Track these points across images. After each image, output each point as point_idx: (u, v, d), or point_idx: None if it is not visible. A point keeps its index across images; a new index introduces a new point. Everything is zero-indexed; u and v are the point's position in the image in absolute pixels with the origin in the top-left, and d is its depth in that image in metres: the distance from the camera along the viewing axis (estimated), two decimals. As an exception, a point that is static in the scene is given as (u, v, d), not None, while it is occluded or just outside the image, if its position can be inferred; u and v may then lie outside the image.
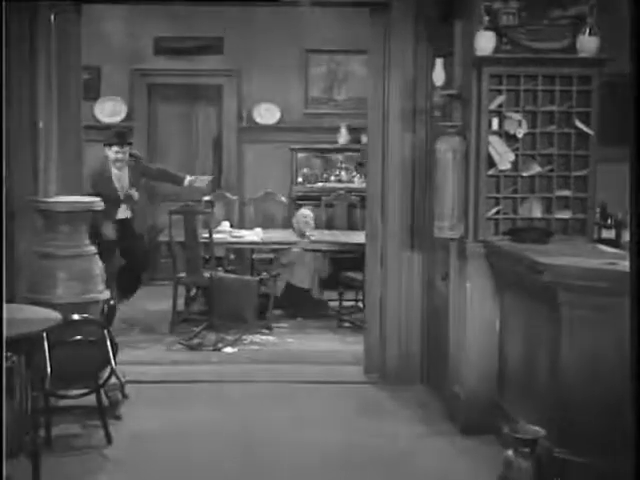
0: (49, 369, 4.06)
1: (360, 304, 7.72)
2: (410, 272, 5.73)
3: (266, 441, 4.76)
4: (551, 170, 4.77)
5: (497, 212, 4.77)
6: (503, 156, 4.69)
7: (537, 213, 4.77)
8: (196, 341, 6.85)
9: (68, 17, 5.69)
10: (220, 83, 9.50)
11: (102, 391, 4.68)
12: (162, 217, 8.27)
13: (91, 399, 4.62)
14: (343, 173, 9.60)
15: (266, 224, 8.58)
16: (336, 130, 9.53)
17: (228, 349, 6.68)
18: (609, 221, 5.12)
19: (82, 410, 4.76)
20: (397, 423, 5.06)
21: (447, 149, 4.81)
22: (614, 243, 4.90)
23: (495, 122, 4.70)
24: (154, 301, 8.15)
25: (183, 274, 7.37)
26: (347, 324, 7.52)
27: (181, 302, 7.67)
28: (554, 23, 4.71)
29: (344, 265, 7.67)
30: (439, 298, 5.41)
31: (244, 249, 8.10)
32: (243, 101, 9.46)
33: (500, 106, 4.70)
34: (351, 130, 9.56)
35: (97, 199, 5.26)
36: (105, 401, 4.76)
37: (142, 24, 8.89)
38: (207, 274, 7.24)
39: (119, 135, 7.65)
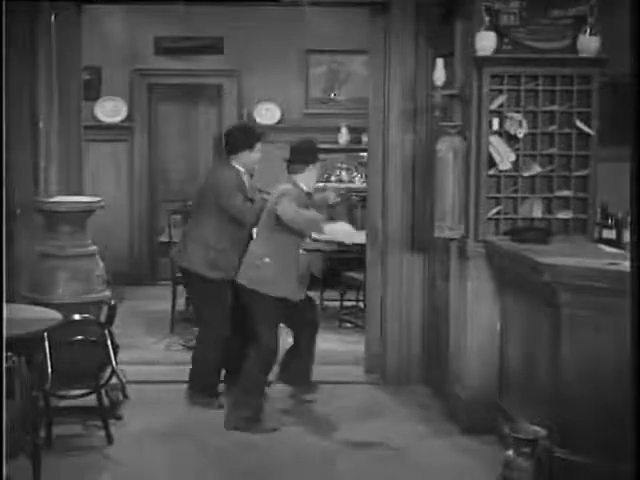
0: (50, 369, 4.06)
1: (361, 304, 7.72)
2: (410, 272, 5.73)
3: (266, 441, 4.75)
4: (552, 170, 4.77)
5: (498, 212, 4.77)
6: (504, 156, 4.69)
7: (538, 213, 4.77)
8: (196, 341, 6.84)
9: (68, 17, 5.70)
10: (220, 83, 9.49)
11: (103, 391, 4.68)
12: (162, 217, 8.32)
13: (92, 399, 4.62)
14: (344, 173, 9.60)
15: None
16: (336, 130, 9.53)
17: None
18: (610, 221, 5.11)
19: (83, 410, 4.76)
20: (397, 423, 5.06)
21: (448, 149, 4.81)
22: (615, 243, 4.89)
23: (496, 122, 4.70)
24: (154, 301, 8.15)
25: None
26: (348, 324, 7.52)
27: (182, 302, 7.67)
28: (554, 23, 4.71)
29: (345, 265, 7.67)
30: (439, 298, 5.41)
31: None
32: (243, 101, 9.45)
33: (501, 106, 4.70)
34: (351, 130, 9.56)
35: (97, 198, 5.26)
36: (106, 401, 4.76)
37: (142, 24, 8.88)
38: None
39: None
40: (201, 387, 5.37)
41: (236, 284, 5.11)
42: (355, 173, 9.60)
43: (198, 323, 5.63)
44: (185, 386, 5.44)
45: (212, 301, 5.33)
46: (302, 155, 5.20)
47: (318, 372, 5.99)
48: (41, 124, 5.45)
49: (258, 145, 5.39)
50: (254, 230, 5.27)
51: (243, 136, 5.39)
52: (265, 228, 5.06)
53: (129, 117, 9.30)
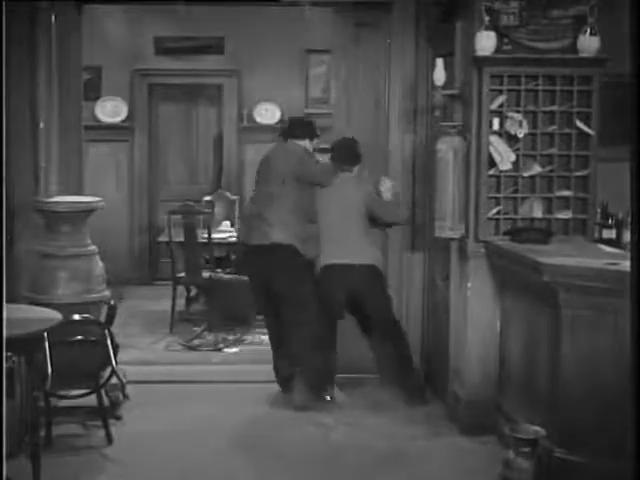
0: (49, 369, 4.06)
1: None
2: (410, 272, 5.73)
3: (266, 441, 4.76)
4: (552, 170, 4.77)
5: (498, 212, 4.77)
6: (504, 156, 4.69)
7: (538, 213, 4.77)
8: (196, 342, 6.85)
9: (68, 17, 5.70)
10: (220, 83, 9.50)
11: (103, 391, 4.68)
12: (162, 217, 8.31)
13: (92, 399, 4.62)
14: (343, 173, 9.58)
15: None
16: (336, 130, 9.52)
17: (229, 349, 6.68)
18: (610, 221, 5.12)
19: (83, 410, 4.76)
20: (397, 423, 5.06)
21: (448, 149, 4.81)
22: (615, 243, 4.90)
23: (496, 122, 4.70)
24: (154, 301, 8.16)
25: (183, 274, 7.37)
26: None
27: (182, 302, 7.68)
28: (554, 23, 4.71)
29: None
30: (440, 298, 5.40)
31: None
32: (243, 101, 9.46)
33: (501, 106, 4.70)
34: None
35: (97, 198, 5.25)
36: (106, 401, 4.75)
37: (142, 24, 8.89)
38: (207, 274, 7.23)
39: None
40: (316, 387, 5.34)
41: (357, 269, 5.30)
42: (355, 173, 9.59)
43: (295, 313, 5.30)
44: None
45: (309, 279, 5.33)
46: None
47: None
48: (41, 124, 5.45)
49: (315, 140, 5.67)
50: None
51: (308, 126, 5.68)
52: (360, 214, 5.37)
53: (129, 117, 9.30)
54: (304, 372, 5.29)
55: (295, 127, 5.62)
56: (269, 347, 5.90)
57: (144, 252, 9.42)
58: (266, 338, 6.90)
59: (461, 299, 4.90)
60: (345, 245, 5.30)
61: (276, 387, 5.60)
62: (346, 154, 5.48)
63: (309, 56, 9.58)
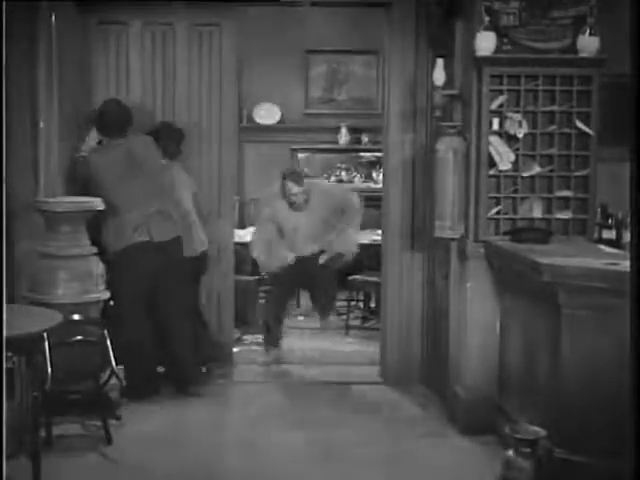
0: (49, 369, 4.06)
1: (360, 304, 7.73)
2: (410, 272, 5.73)
3: (265, 441, 4.75)
4: (551, 170, 4.77)
5: (497, 212, 4.77)
6: (503, 156, 4.69)
7: (537, 213, 4.77)
8: (196, 341, 6.84)
9: (68, 17, 5.69)
10: (220, 83, 9.47)
11: (102, 392, 4.68)
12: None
13: (91, 400, 4.62)
14: (343, 173, 9.60)
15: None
16: (336, 130, 9.53)
17: (228, 349, 6.67)
18: (609, 221, 5.13)
19: (82, 410, 4.75)
20: (397, 423, 5.06)
21: (447, 149, 4.82)
22: (614, 243, 4.90)
23: (496, 122, 4.71)
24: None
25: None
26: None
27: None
28: (554, 23, 4.72)
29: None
30: (439, 298, 5.41)
31: (245, 249, 8.08)
32: (243, 101, 9.46)
33: (501, 106, 4.71)
34: (351, 130, 9.57)
35: (97, 198, 5.25)
36: (105, 402, 4.75)
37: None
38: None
39: None
40: None
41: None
42: (355, 173, 9.61)
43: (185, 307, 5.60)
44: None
45: None
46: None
47: (317, 372, 6.01)
48: (41, 124, 5.44)
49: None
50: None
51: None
52: None
53: (129, 117, 9.26)
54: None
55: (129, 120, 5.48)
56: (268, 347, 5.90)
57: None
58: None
59: (461, 299, 4.91)
60: None
61: (276, 387, 5.62)
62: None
63: (309, 56, 9.59)
